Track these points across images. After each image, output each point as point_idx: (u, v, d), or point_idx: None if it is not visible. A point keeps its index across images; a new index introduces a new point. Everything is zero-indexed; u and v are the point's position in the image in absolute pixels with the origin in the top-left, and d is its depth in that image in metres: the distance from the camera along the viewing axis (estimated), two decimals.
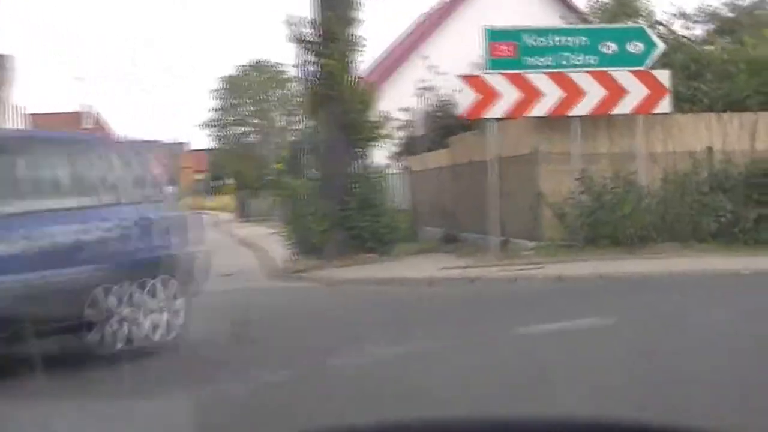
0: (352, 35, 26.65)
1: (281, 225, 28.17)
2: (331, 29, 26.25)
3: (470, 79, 24.89)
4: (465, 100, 24.91)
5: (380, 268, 24.10)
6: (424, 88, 35.81)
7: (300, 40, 26.61)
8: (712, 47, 29.33)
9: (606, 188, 24.21)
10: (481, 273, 21.71)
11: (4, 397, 9.74)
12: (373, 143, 27.80)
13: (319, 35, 26.46)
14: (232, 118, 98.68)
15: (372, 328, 14.19)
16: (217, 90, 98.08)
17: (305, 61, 26.82)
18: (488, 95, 24.34)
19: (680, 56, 27.96)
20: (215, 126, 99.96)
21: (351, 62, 26.69)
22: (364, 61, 27.26)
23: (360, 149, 27.05)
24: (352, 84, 26.70)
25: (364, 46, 26.90)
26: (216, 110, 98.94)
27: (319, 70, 26.47)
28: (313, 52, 26.55)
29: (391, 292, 20.12)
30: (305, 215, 26.34)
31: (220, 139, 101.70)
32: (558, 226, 24.45)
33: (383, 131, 28.80)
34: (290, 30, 26.64)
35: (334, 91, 26.09)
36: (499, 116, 24.73)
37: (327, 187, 26.33)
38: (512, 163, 25.44)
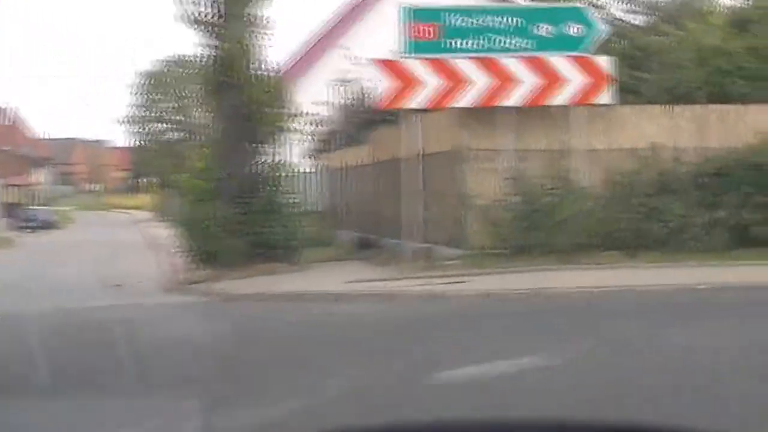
0: (253, 15, 23.52)
1: (178, 230, 24.85)
2: (230, 8, 23.11)
3: (386, 65, 21.90)
4: (381, 88, 21.86)
5: (284, 279, 21.04)
6: (343, 80, 32.90)
7: (194, 21, 23.39)
8: (657, 37, 26.80)
9: (541, 190, 21.57)
10: (396, 287, 18.73)
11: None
12: (278, 137, 24.70)
13: (216, 15, 23.29)
14: (153, 115, 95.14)
15: (243, 371, 10.91)
16: (136, 85, 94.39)
17: (201, 44, 23.69)
18: (407, 83, 21.39)
19: (622, 43, 25.49)
20: (134, 123, 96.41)
21: (253, 46, 23.54)
22: (271, 45, 24.07)
23: (263, 144, 23.91)
24: (255, 70, 23.56)
25: (268, 27, 23.79)
26: (135, 106, 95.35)
27: (216, 54, 23.28)
28: (210, 34, 23.38)
29: (290, 311, 17.04)
30: (202, 219, 23.16)
31: (139, 136, 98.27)
32: (487, 233, 21.62)
33: (291, 124, 25.69)
34: (182, 9, 23.44)
35: (233, 78, 22.97)
36: (419, 107, 21.87)
37: (225, 187, 23.17)
38: (435, 161, 22.57)
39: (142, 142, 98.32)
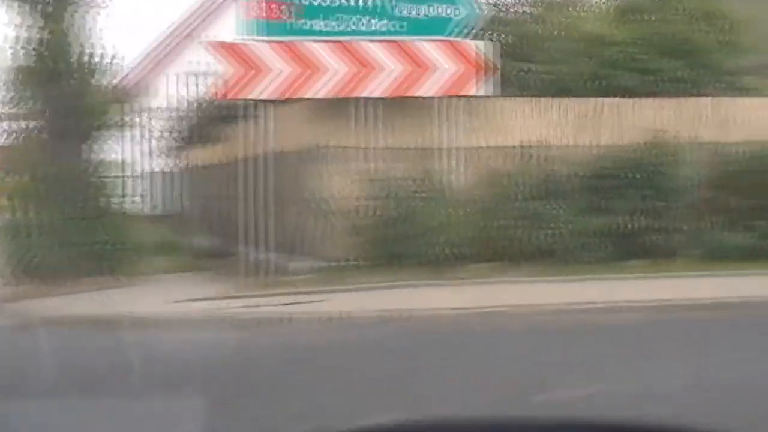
0: None
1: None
2: None
3: (227, 49, 19.00)
4: (223, 75, 18.94)
5: (105, 298, 17.94)
6: (201, 72, 29.91)
7: None
8: (541, 25, 24.46)
9: (408, 193, 18.97)
10: (233, 309, 15.88)
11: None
12: (117, 133, 21.81)
13: None
14: (21, 111, 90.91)
15: None
16: (4, 81, 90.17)
17: (22, 25, 20.62)
18: (252, 70, 18.55)
19: (502, 31, 23.06)
20: (3, 120, 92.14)
21: (81, 26, 20.64)
22: (106, 28, 21.14)
23: (95, 141, 20.95)
24: (82, 54, 20.59)
25: (102, 5, 20.84)
26: (3, 103, 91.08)
27: (40, 36, 20.29)
28: (31, 13, 20.37)
29: (87, 343, 13.87)
30: (14, 226, 20.09)
31: (9, 135, 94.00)
32: (346, 242, 19.03)
33: (134, 118, 22.77)
34: None
35: (57, 63, 20.05)
36: (266, 97, 19.04)
37: (46, 189, 20.12)
38: (289, 160, 19.90)
39: (10, 140, 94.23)
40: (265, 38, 18.59)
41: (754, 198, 19.52)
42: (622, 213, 19.25)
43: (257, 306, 15.86)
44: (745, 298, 15.93)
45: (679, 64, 21.56)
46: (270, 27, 18.53)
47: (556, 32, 23.54)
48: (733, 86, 21.96)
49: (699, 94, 21.15)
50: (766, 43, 21.74)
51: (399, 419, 3.66)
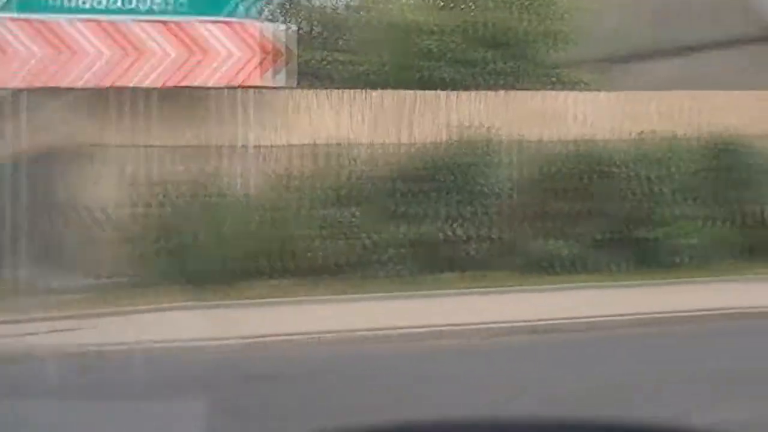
0: None
1: None
2: None
3: None
4: None
5: None
6: None
7: None
8: (349, 11, 22.78)
9: (187, 199, 16.96)
10: None
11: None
12: None
13: None
14: None
15: None
16: None
17: None
18: None
19: (306, 17, 21.26)
20: None
21: None
22: None
23: None
24: None
25: None
26: None
27: None
28: None
29: None
30: None
31: None
32: (118, 256, 16.78)
33: None
34: None
35: None
36: (14, 85, 16.60)
37: None
38: (49, 161, 17.37)
39: None
40: (12, 15, 15.93)
41: (579, 202, 17.90)
42: (433, 220, 17.52)
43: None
44: (567, 319, 13.99)
45: (498, 55, 20.14)
46: (22, 2, 15.89)
47: (364, 18, 21.76)
48: (556, 80, 20.63)
49: (520, 88, 19.70)
50: (592, 34, 20.14)
51: (396, 420, 3.32)
